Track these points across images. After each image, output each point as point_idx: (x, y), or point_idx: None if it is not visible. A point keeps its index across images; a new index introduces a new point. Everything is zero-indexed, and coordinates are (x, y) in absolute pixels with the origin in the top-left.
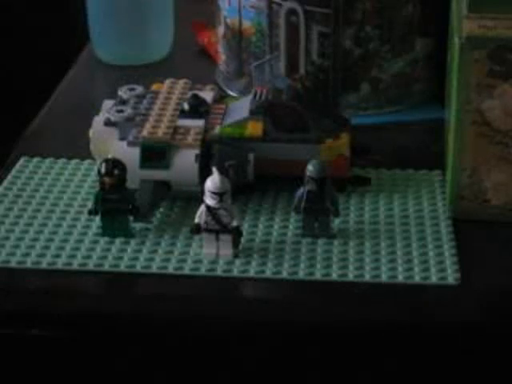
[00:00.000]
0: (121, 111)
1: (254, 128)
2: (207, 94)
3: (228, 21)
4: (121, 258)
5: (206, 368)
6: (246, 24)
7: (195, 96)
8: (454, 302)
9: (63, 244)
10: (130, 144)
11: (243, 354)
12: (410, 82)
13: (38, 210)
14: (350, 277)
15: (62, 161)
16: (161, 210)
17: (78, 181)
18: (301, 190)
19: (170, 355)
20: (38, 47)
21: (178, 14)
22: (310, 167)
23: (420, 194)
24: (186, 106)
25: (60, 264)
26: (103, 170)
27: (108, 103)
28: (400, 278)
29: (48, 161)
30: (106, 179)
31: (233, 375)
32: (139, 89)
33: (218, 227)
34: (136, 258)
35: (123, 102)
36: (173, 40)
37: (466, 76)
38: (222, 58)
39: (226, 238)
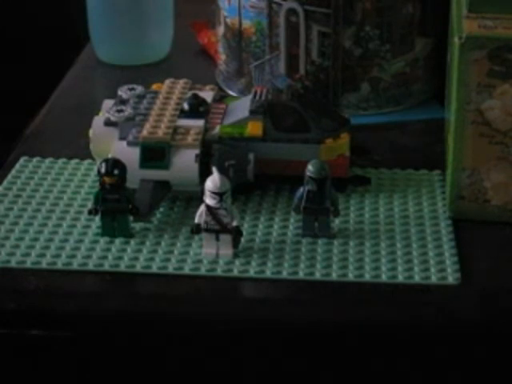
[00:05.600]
0: (121, 111)
1: (254, 128)
2: (207, 94)
3: (228, 21)
4: (121, 258)
5: (206, 368)
6: (246, 24)
7: (195, 96)
8: (454, 302)
9: (63, 244)
10: (130, 144)
11: (243, 354)
12: (410, 82)
13: (38, 210)
14: (350, 277)
15: (61, 161)
16: (161, 209)
17: (77, 181)
18: (301, 190)
19: (169, 355)
20: (38, 47)
21: (178, 14)
22: (310, 167)
23: (420, 193)
24: (185, 106)
25: (60, 264)
26: (103, 170)
27: (108, 103)
28: (400, 278)
29: (48, 161)
30: (106, 179)
31: (233, 375)
32: (139, 89)
33: (218, 227)
34: (136, 258)
35: (123, 102)
36: (173, 40)
37: (466, 76)
38: (221, 57)
39: (226, 238)
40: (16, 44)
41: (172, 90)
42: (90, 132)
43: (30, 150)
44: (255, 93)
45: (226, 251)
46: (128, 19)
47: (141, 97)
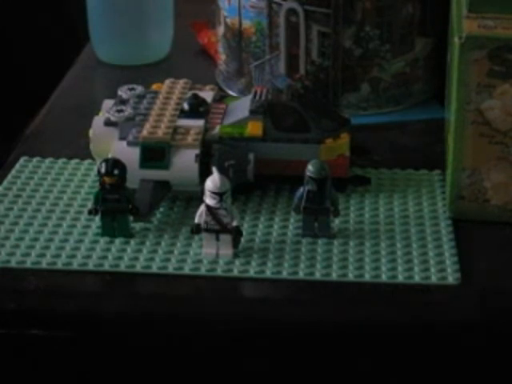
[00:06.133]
0: (121, 111)
1: (254, 128)
2: (207, 94)
3: (228, 21)
4: (121, 258)
5: (206, 368)
6: (246, 24)
7: (195, 96)
8: (454, 302)
9: (63, 244)
10: (130, 144)
11: (243, 354)
12: (410, 82)
13: (38, 210)
14: (350, 277)
15: (61, 161)
16: (161, 209)
17: (77, 181)
18: (301, 190)
19: (169, 355)
20: (38, 47)
21: (178, 14)
22: (310, 167)
23: (420, 193)
24: (185, 106)
25: (60, 264)
26: (103, 170)
27: (108, 103)
28: (400, 278)
29: (48, 161)
30: (106, 179)
31: (233, 375)
32: (139, 89)
33: (218, 227)
34: (136, 258)
35: (123, 102)
36: (173, 40)
37: (466, 76)
38: (222, 57)
39: (226, 238)
40: (16, 44)
41: (172, 90)
42: (90, 132)
43: (30, 149)
44: (255, 93)
45: (226, 251)
46: (128, 19)
47: (141, 97)
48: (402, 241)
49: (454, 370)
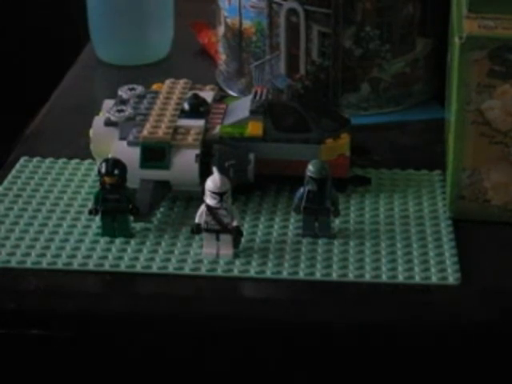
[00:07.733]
0: (121, 111)
1: (254, 128)
2: (207, 94)
3: (228, 21)
4: (121, 258)
5: (206, 368)
6: (247, 24)
7: (195, 96)
8: (454, 302)
9: (63, 244)
10: (131, 144)
11: (243, 354)
12: (410, 82)
13: (38, 210)
14: (350, 277)
15: (61, 161)
16: (161, 209)
17: (78, 181)
18: (301, 190)
19: (169, 355)
20: (38, 47)
21: (178, 14)
22: (310, 167)
23: (420, 193)
24: (186, 106)
25: (60, 264)
26: (103, 170)
27: (108, 103)
28: (400, 278)
29: (48, 161)
30: (106, 179)
31: (233, 375)
32: (139, 89)
33: (219, 227)
34: (136, 258)
35: (123, 102)
36: (173, 40)
37: (466, 76)
38: (222, 57)
39: (226, 238)
40: (16, 44)
41: (172, 90)
42: (91, 132)
43: (30, 150)
44: (255, 93)
45: (227, 251)
46: (128, 19)
47: (141, 97)
48: (402, 241)
49: (454, 369)
